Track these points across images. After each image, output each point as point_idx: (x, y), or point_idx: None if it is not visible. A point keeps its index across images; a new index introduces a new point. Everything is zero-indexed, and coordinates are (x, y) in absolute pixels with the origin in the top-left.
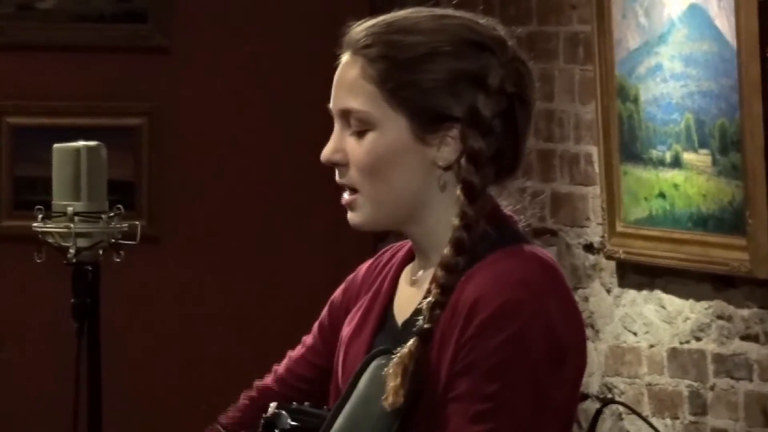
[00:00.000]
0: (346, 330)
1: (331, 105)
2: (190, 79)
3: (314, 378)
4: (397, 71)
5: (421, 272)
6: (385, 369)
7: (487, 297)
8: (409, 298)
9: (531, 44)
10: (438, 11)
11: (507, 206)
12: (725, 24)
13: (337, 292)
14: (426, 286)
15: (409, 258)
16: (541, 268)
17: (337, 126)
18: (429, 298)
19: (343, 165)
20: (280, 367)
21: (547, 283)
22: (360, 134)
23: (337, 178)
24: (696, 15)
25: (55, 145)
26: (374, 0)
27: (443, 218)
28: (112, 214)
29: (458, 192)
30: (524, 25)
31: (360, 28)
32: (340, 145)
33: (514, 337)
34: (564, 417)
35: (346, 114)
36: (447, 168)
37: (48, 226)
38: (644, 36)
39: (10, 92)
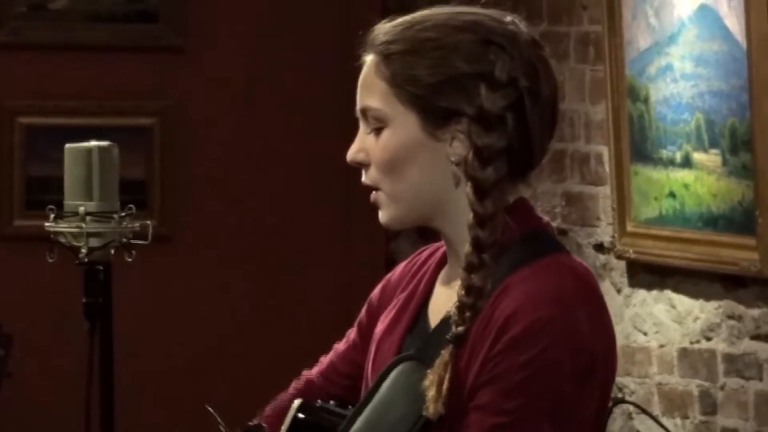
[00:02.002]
0: (379, 328)
1: (357, 106)
2: (202, 78)
3: (354, 374)
4: (406, 68)
5: (454, 276)
6: (412, 376)
7: (520, 313)
8: (444, 300)
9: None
10: (457, 9)
11: (539, 207)
12: (735, 24)
13: (375, 291)
14: (458, 288)
15: (445, 260)
16: (576, 282)
17: (361, 126)
18: (457, 302)
19: (366, 164)
20: (325, 360)
21: (580, 298)
22: (377, 132)
23: (362, 178)
24: (706, 15)
25: (67, 145)
26: (387, 1)
27: (465, 214)
28: (123, 214)
29: (468, 189)
30: (535, 25)
31: (381, 28)
32: (363, 144)
33: (541, 355)
34: (589, 428)
35: (365, 112)
36: (460, 164)
37: (60, 225)
38: (654, 36)
39: (22, 92)
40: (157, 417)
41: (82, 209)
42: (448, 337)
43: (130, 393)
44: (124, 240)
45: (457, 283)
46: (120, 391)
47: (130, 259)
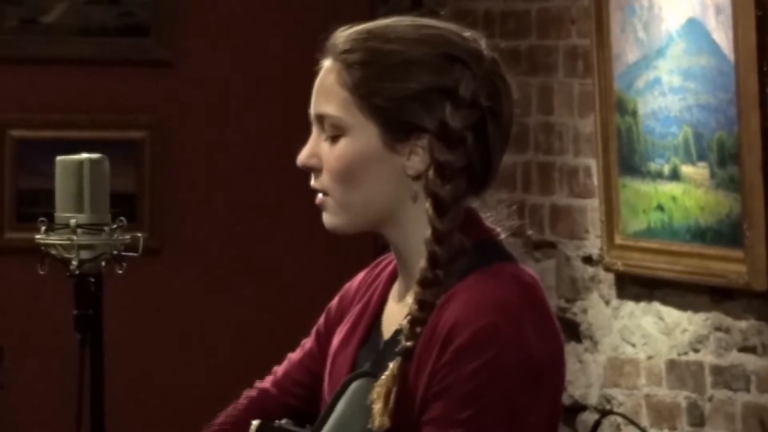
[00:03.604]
0: (335, 342)
1: (310, 110)
2: (192, 92)
3: (310, 384)
4: (370, 78)
5: (406, 289)
6: (369, 392)
7: (463, 322)
8: (395, 314)
9: (530, 58)
10: (420, 21)
11: (489, 218)
12: (723, 38)
13: (334, 300)
14: (410, 302)
15: (398, 272)
16: (520, 289)
17: (314, 131)
18: (409, 317)
19: (318, 169)
20: (279, 370)
21: (525, 305)
22: (333, 140)
23: (311, 182)
24: (694, 29)
25: (58, 158)
26: (374, 10)
27: (418, 230)
28: (114, 227)
29: (427, 205)
30: (524, 39)
31: (341, 35)
32: (316, 150)
33: (489, 363)
34: None
35: (321, 119)
36: (417, 178)
37: (51, 238)
38: (643, 50)
39: (14, 105)
40: (148, 428)
41: (73, 221)
42: (396, 350)
43: (121, 404)
44: (115, 252)
45: (409, 296)
46: (111, 402)
47: (120, 272)
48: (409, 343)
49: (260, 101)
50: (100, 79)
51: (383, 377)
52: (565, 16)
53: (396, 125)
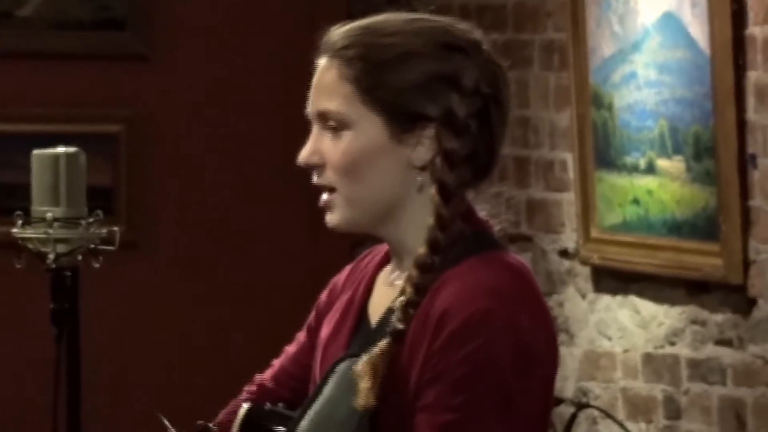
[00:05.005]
0: (324, 332)
1: (309, 108)
2: (169, 86)
3: (305, 377)
4: (373, 72)
5: (396, 273)
6: (354, 369)
7: (456, 307)
8: (384, 298)
9: (506, 51)
10: (414, 15)
11: (481, 211)
12: (699, 32)
13: (323, 294)
14: (401, 285)
15: (385, 260)
16: (513, 276)
17: (314, 128)
18: (402, 298)
19: (320, 166)
20: (276, 363)
21: (518, 292)
22: (337, 135)
23: (314, 179)
24: (670, 23)
25: (34, 151)
26: (352, 9)
27: (418, 219)
28: (91, 220)
29: (432, 192)
30: (500, 33)
31: (337, 32)
32: (318, 146)
33: (481, 348)
34: (535, 424)
35: (323, 115)
36: (423, 168)
37: (27, 231)
38: (618, 44)
39: None
40: (124, 423)
41: (49, 215)
42: (387, 329)
43: (97, 399)
44: (92, 246)
45: (399, 280)
46: (87, 396)
47: (97, 265)
48: (400, 325)
49: (237, 95)
50: (76, 73)
51: (371, 354)
52: (541, 10)
53: (401, 116)
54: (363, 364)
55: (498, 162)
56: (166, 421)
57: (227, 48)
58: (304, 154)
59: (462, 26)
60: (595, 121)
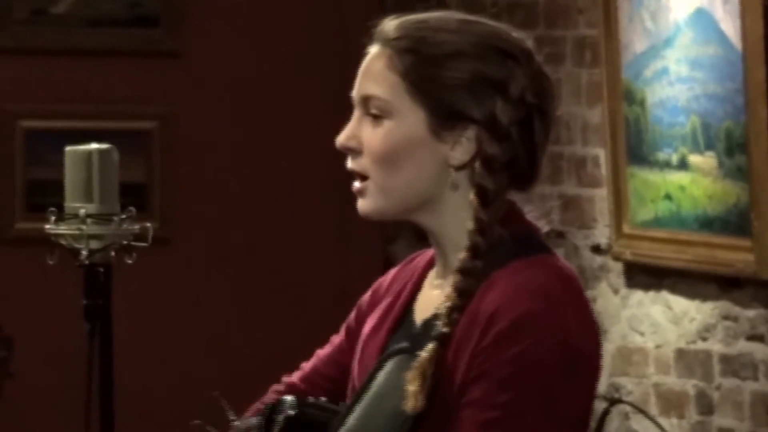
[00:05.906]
0: (366, 328)
1: (353, 92)
2: (201, 83)
3: (339, 377)
4: (423, 65)
5: (442, 278)
6: (405, 372)
7: (505, 307)
8: (430, 300)
9: (538, 48)
10: (471, 17)
11: (530, 212)
12: (731, 27)
13: (366, 295)
14: (447, 289)
15: (433, 263)
16: (560, 278)
17: (356, 113)
18: (447, 303)
19: (357, 152)
20: (307, 365)
21: (565, 294)
22: (378, 122)
23: (348, 164)
24: (702, 19)
25: (68, 148)
26: (385, 3)
27: (458, 217)
28: (124, 216)
29: (472, 196)
30: (532, 29)
31: (392, 22)
32: (357, 132)
33: (529, 348)
34: (577, 427)
35: (366, 100)
36: (459, 168)
37: (60, 228)
38: (651, 40)
39: (24, 96)
40: (158, 418)
41: (82, 211)
42: (433, 334)
43: (130, 394)
44: (125, 242)
45: (445, 284)
46: (119, 392)
47: (130, 261)
48: (445, 329)
49: (268, 91)
50: (109, 70)
51: (420, 359)
52: (573, 6)
53: (444, 113)
54: (412, 370)
55: (540, 172)
56: (225, 404)
57: (258, 45)
58: (342, 138)
59: (516, 34)
60: (627, 117)
